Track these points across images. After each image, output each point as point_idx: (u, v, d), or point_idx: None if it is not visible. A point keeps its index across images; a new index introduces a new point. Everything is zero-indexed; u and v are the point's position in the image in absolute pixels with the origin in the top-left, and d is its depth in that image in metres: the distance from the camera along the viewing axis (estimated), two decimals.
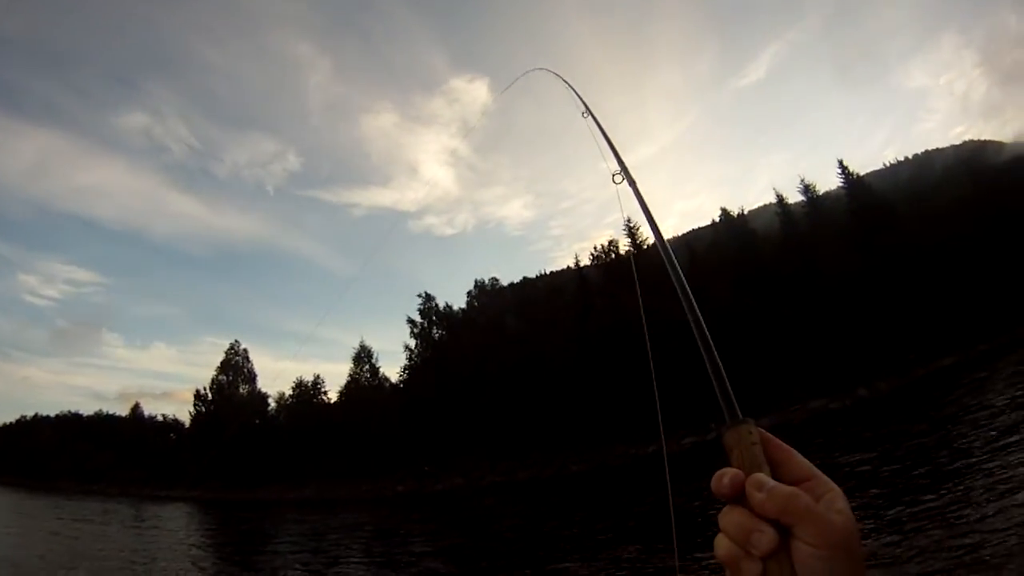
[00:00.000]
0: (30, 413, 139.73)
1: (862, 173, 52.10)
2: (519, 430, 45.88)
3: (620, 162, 3.28)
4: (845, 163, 50.45)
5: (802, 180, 50.97)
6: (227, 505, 53.68)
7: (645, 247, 51.20)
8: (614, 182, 3.03)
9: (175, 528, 38.78)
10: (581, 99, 5.24)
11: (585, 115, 4.57)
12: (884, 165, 71.23)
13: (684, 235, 75.85)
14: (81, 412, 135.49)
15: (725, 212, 56.73)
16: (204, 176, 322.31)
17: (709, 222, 64.32)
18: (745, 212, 56.18)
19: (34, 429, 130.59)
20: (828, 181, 52.92)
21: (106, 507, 53.52)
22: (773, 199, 52.86)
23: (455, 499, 40.11)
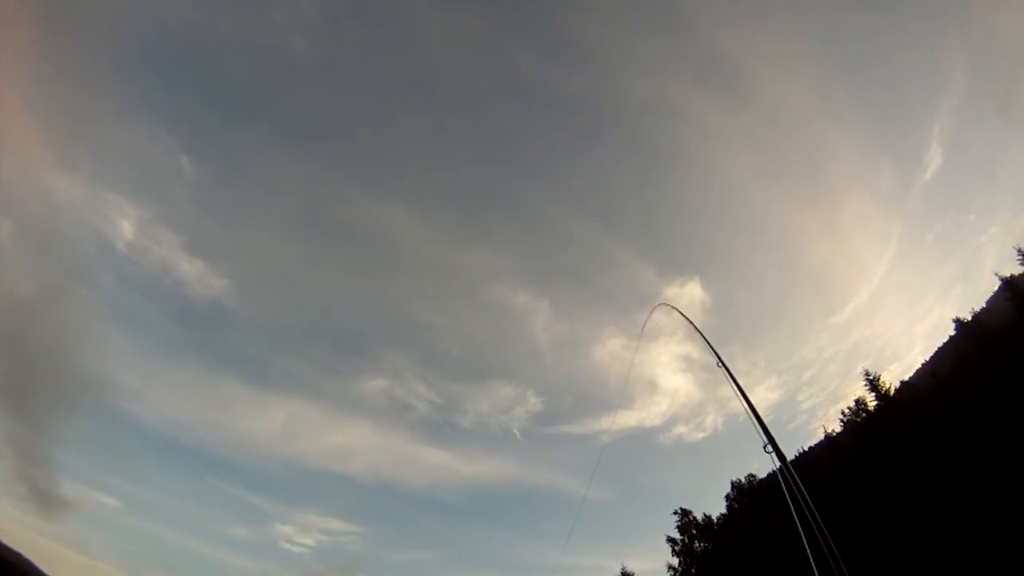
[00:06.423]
0: None
1: None
2: None
3: (765, 430, 5.01)
4: None
5: (1018, 249, 45.79)
6: None
7: (891, 393, 49.87)
8: (765, 452, 4.74)
9: None
10: (711, 346, 6.92)
11: (719, 365, 6.25)
12: None
13: (929, 361, 67.41)
14: None
15: (959, 322, 51.73)
16: (450, 428, 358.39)
17: (947, 338, 57.83)
18: (977, 311, 51.13)
19: None
20: None
21: None
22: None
23: None
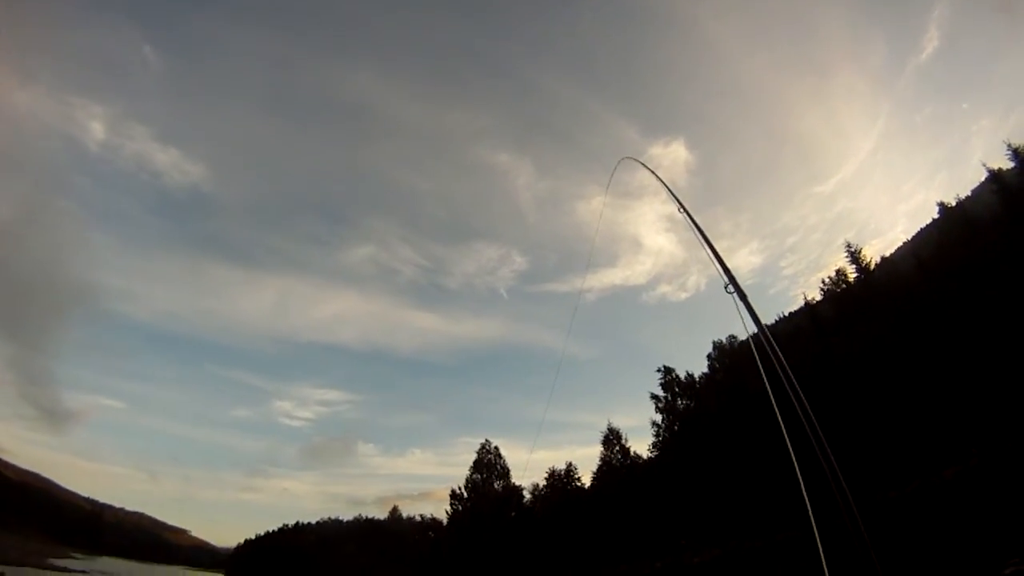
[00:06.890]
0: (292, 521, 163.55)
1: None
2: (772, 490, 43.11)
3: (725, 269, 4.30)
4: None
5: (1008, 144, 45.59)
6: None
7: (872, 268, 51.67)
8: (727, 292, 4.06)
9: None
10: (672, 192, 6.23)
11: (680, 211, 5.61)
12: None
13: (911, 241, 67.72)
14: (341, 518, 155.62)
15: (943, 207, 53.18)
16: (437, 291, 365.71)
17: (930, 220, 58.50)
18: (961, 199, 52.37)
19: (297, 535, 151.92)
20: None
21: None
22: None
23: (714, 571, 39.38)
